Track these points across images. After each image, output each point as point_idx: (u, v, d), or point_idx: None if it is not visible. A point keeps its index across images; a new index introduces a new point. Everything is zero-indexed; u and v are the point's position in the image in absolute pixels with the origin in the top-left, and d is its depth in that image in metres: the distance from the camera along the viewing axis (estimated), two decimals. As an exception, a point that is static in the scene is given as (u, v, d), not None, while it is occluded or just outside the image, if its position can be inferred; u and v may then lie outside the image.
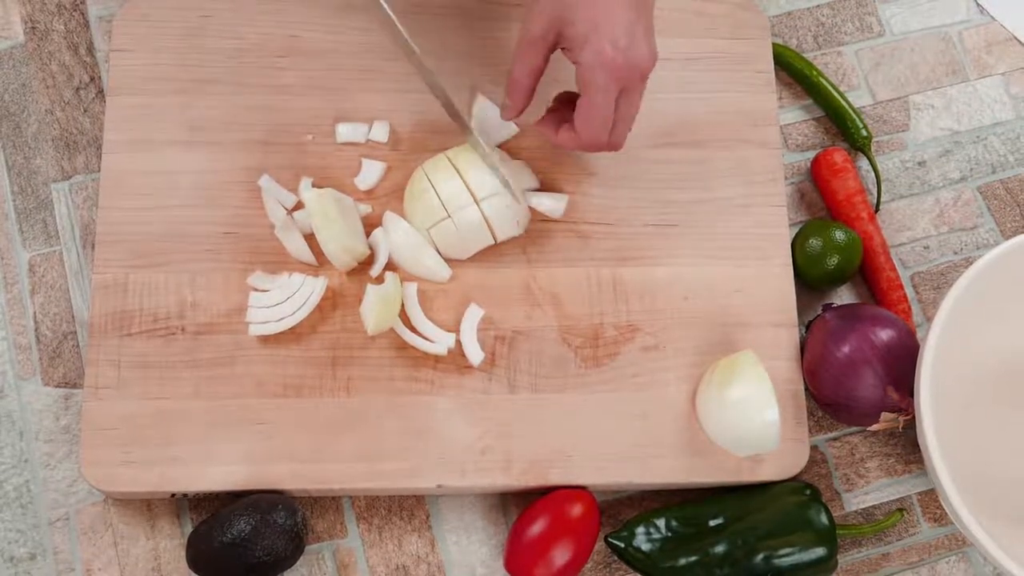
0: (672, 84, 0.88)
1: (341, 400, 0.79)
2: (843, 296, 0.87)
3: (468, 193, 0.80)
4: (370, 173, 0.83)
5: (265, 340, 0.80)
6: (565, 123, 0.77)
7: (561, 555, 0.76)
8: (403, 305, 0.80)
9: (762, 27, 0.90)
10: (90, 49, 0.89)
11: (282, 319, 0.79)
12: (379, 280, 0.81)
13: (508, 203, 0.80)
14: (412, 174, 0.82)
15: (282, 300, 0.79)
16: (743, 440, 0.78)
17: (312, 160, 0.84)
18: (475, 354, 0.80)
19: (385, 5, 0.77)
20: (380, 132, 0.85)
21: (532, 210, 0.84)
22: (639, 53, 0.72)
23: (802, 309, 0.85)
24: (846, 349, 0.78)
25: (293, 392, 0.79)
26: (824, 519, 0.77)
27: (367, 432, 0.79)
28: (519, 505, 0.81)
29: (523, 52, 0.75)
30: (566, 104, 0.79)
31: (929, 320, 0.86)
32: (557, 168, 0.85)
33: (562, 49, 0.75)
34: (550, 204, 0.83)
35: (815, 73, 0.90)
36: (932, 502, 0.83)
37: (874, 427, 0.80)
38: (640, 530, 0.78)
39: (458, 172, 0.80)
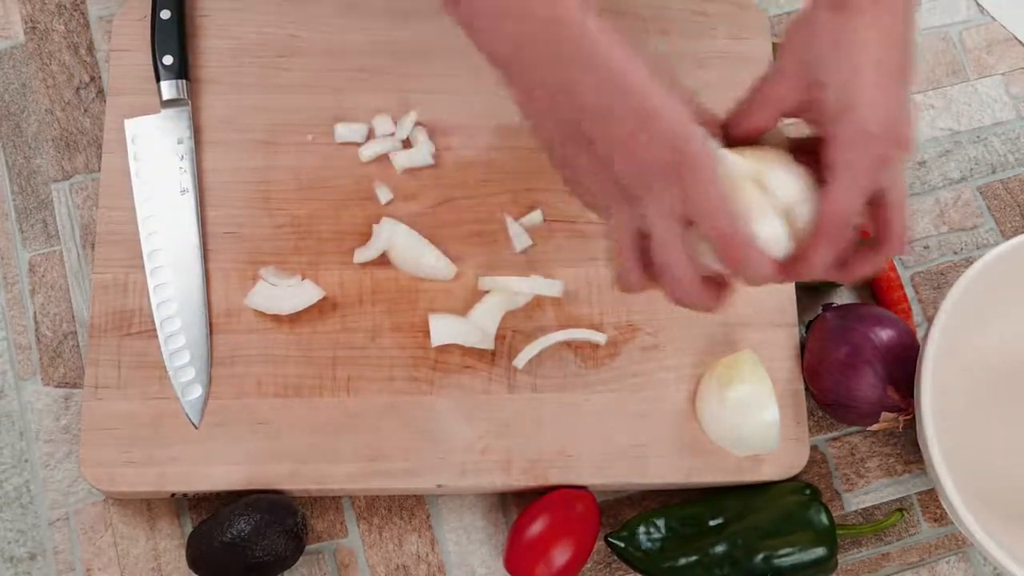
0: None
1: (341, 400, 0.79)
2: (843, 296, 0.87)
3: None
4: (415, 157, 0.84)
5: (265, 341, 0.80)
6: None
7: (561, 555, 0.76)
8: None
9: (762, 27, 0.90)
10: (90, 49, 0.89)
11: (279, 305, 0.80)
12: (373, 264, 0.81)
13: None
14: None
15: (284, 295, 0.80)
16: (743, 440, 0.78)
17: (312, 160, 0.84)
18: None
19: None
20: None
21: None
22: (905, 129, 0.59)
23: (802, 309, 0.85)
24: (846, 349, 0.78)
25: (293, 392, 0.79)
26: (824, 519, 0.77)
27: (367, 432, 0.79)
28: (519, 505, 0.81)
29: (757, 107, 0.63)
30: None
31: (929, 320, 0.86)
32: (552, 171, 0.85)
33: (806, 118, 0.62)
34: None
35: (815, 73, 0.90)
36: (932, 502, 0.83)
37: (874, 427, 0.80)
38: (640, 530, 0.78)
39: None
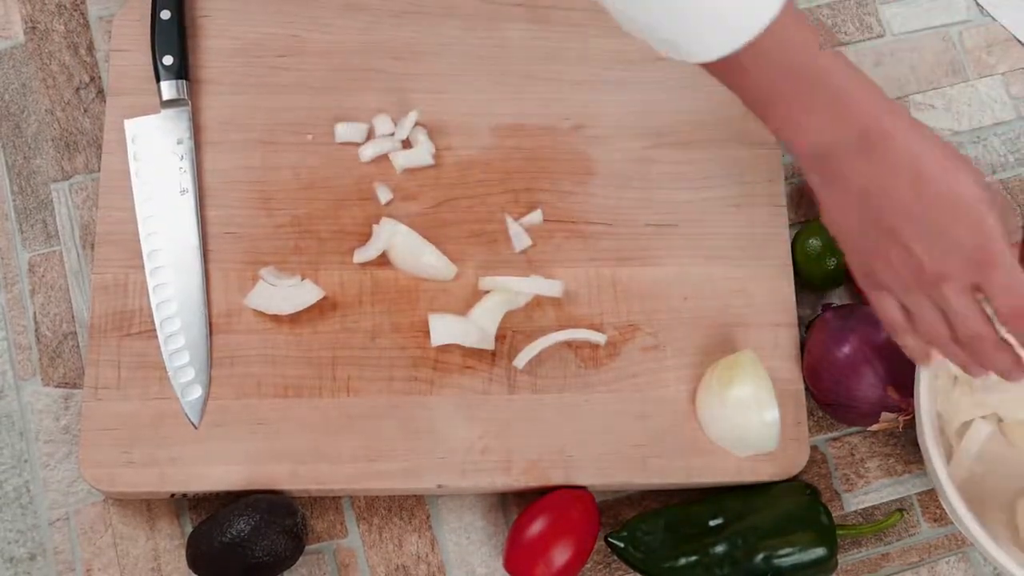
0: (672, 84, 0.88)
1: (341, 400, 0.79)
2: (843, 296, 0.87)
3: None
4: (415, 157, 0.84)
5: (265, 341, 0.80)
6: None
7: (561, 555, 0.76)
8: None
9: (762, 27, 0.90)
10: (90, 49, 0.89)
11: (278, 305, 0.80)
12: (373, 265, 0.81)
13: None
14: None
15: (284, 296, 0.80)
16: (743, 440, 0.78)
17: (312, 160, 0.84)
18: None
19: None
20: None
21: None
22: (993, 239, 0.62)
23: (802, 309, 0.85)
24: (846, 349, 0.78)
25: (293, 392, 0.79)
26: (824, 519, 0.77)
27: (367, 432, 0.79)
28: (519, 505, 0.81)
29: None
30: None
31: (929, 320, 0.86)
32: (552, 171, 0.85)
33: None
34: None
35: (815, 73, 0.90)
36: (932, 502, 0.83)
37: (874, 427, 0.80)
38: (640, 530, 0.78)
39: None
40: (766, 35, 0.61)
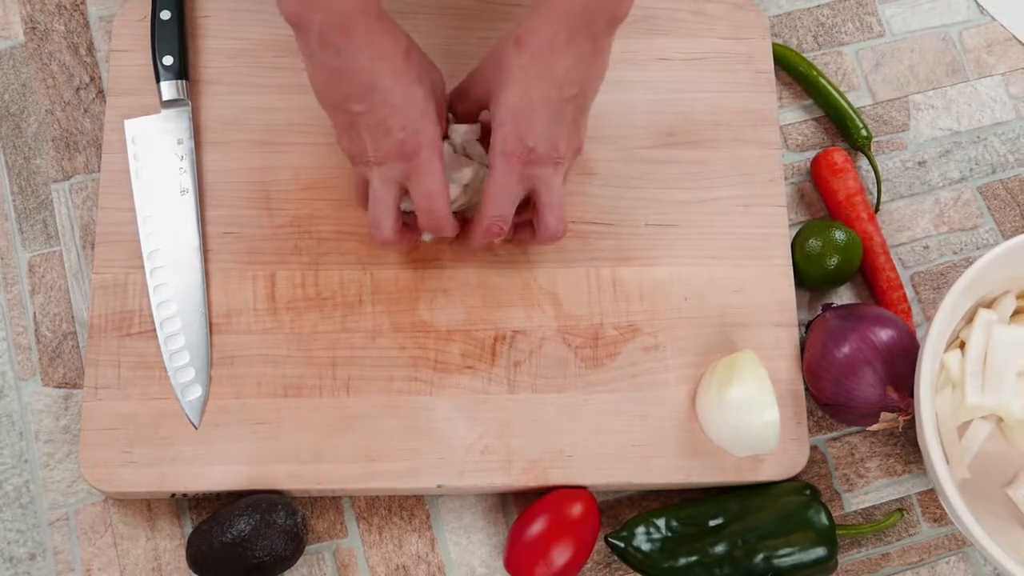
0: (672, 84, 0.88)
1: (341, 400, 0.79)
2: (843, 296, 0.87)
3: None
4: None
5: (265, 341, 0.80)
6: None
7: (561, 555, 0.76)
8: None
9: (762, 27, 0.90)
10: (90, 49, 0.89)
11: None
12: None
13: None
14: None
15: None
16: (743, 440, 0.78)
17: (312, 160, 0.84)
18: None
19: None
20: None
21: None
22: (552, 150, 0.72)
23: (802, 309, 0.85)
24: (846, 349, 0.78)
25: (293, 392, 0.79)
26: (824, 519, 0.77)
27: (367, 432, 0.79)
28: (519, 505, 0.81)
29: (455, 99, 0.78)
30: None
31: (929, 320, 0.86)
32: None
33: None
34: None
35: (815, 73, 0.91)
36: (932, 502, 0.83)
37: (874, 427, 0.80)
38: (640, 530, 0.78)
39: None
40: None
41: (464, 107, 0.78)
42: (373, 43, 0.69)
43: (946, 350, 0.79)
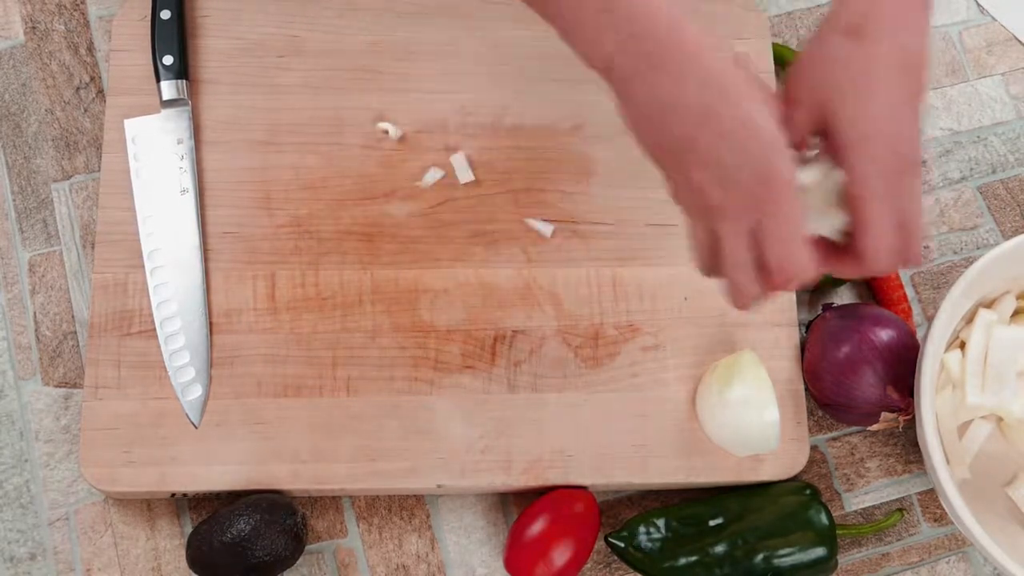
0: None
1: (341, 400, 0.79)
2: (843, 296, 0.87)
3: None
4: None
5: (265, 341, 0.80)
6: (833, 251, 0.62)
7: (561, 555, 0.76)
8: None
9: (762, 27, 0.90)
10: (90, 49, 0.89)
11: None
12: None
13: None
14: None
15: None
16: (743, 440, 0.78)
17: (312, 160, 0.84)
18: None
19: None
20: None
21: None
22: (919, 153, 0.59)
23: (802, 309, 0.85)
24: (846, 349, 0.78)
25: (293, 392, 0.79)
26: (824, 519, 0.77)
27: (367, 432, 0.79)
28: (519, 505, 0.81)
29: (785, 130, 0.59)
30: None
31: (929, 320, 0.86)
32: (552, 171, 0.85)
33: (822, 146, 0.61)
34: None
35: (815, 73, 0.90)
36: (932, 502, 0.83)
37: (874, 427, 0.80)
38: (640, 530, 0.78)
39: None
40: None
41: (793, 139, 0.60)
42: (698, 60, 0.58)
43: (946, 350, 0.79)
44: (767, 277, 0.60)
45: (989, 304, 0.81)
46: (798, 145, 0.61)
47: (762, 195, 0.57)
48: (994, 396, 0.77)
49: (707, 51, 0.58)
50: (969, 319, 0.80)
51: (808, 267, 0.59)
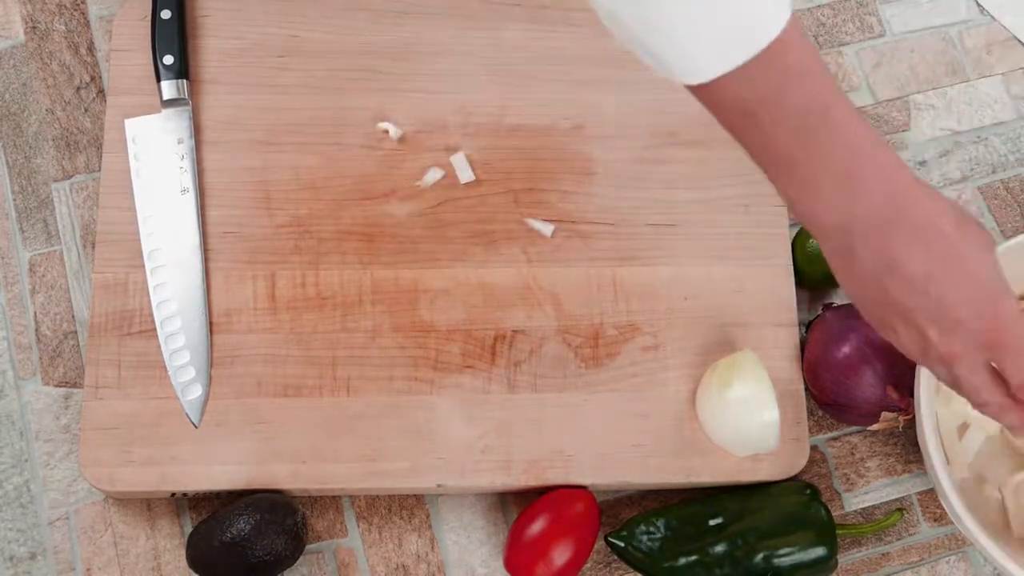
0: (672, 84, 0.87)
1: (341, 400, 0.79)
2: (843, 296, 0.87)
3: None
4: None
5: (265, 341, 0.80)
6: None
7: (561, 554, 0.76)
8: None
9: (762, 27, 0.90)
10: (90, 49, 0.90)
11: None
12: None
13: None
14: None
15: None
16: (743, 440, 0.78)
17: (312, 160, 0.84)
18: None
19: None
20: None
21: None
22: (1005, 293, 0.61)
23: (802, 309, 0.85)
24: (846, 349, 0.78)
25: (293, 392, 0.79)
26: (824, 519, 0.77)
27: (367, 432, 0.79)
28: (519, 505, 0.81)
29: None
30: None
31: (929, 320, 0.86)
32: (552, 171, 0.85)
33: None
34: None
35: (815, 73, 0.90)
36: (932, 502, 0.83)
37: (874, 427, 0.80)
38: (640, 530, 0.78)
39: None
40: (767, 56, 0.56)
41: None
42: (920, 226, 0.59)
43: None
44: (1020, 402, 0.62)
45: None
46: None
47: (992, 337, 0.60)
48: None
49: (927, 205, 0.59)
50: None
51: None
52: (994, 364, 0.61)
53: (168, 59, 0.84)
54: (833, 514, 0.79)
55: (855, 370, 0.78)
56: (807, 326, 0.85)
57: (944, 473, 0.73)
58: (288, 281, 0.82)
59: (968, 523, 0.71)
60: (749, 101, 0.59)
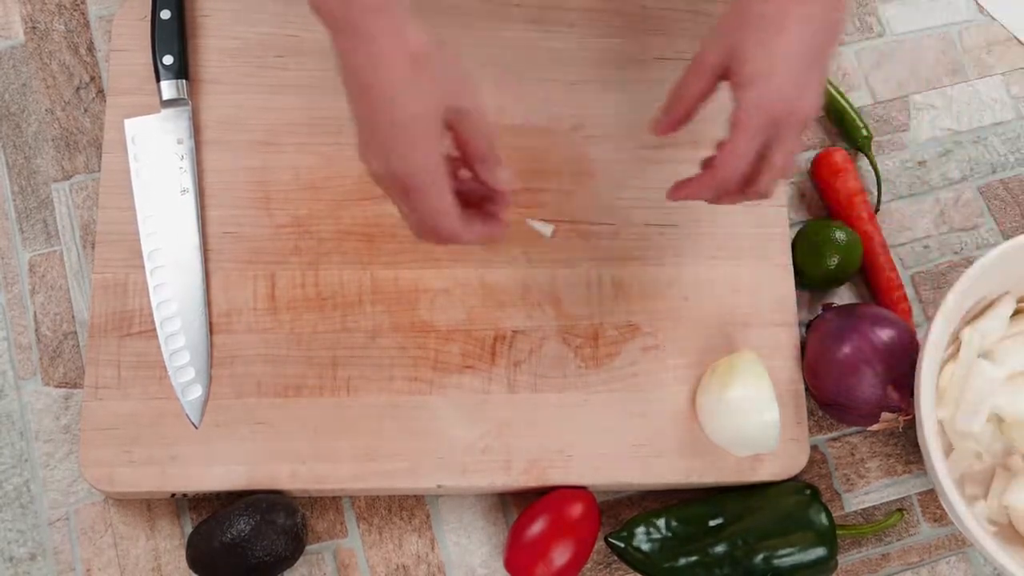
0: (672, 84, 0.87)
1: (341, 400, 0.79)
2: (843, 296, 0.87)
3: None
4: None
5: (265, 341, 0.80)
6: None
7: (561, 555, 0.76)
8: None
9: (762, 27, 0.90)
10: (90, 49, 0.89)
11: None
12: None
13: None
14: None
15: None
16: (743, 440, 0.78)
17: (312, 160, 0.84)
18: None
19: None
20: None
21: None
22: (804, 105, 0.67)
23: (802, 309, 0.85)
24: (846, 349, 0.78)
25: (293, 392, 0.79)
26: (824, 519, 0.77)
27: (367, 432, 0.79)
28: (519, 505, 0.81)
29: (693, 73, 0.71)
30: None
31: (929, 320, 0.86)
32: (552, 171, 0.85)
33: (729, 81, 0.69)
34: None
35: (815, 73, 0.90)
36: (932, 502, 0.83)
37: (874, 427, 0.80)
38: (640, 530, 0.78)
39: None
40: None
41: (700, 85, 0.71)
42: (374, 41, 0.63)
43: (946, 350, 0.79)
44: (427, 238, 0.68)
45: (989, 304, 0.81)
46: (706, 89, 0.70)
47: (404, 180, 0.65)
48: (965, 424, 0.77)
49: (390, 36, 0.63)
50: (970, 320, 0.80)
51: (450, 231, 0.67)
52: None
53: (168, 59, 0.84)
54: (833, 514, 0.79)
55: (855, 370, 0.78)
56: (807, 326, 0.85)
57: (944, 473, 0.73)
58: (288, 281, 0.82)
59: (968, 523, 0.71)
60: None
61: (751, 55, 0.67)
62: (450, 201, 0.66)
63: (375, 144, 0.65)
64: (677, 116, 0.72)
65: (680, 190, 0.72)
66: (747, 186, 0.70)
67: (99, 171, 0.85)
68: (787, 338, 0.83)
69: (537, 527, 0.77)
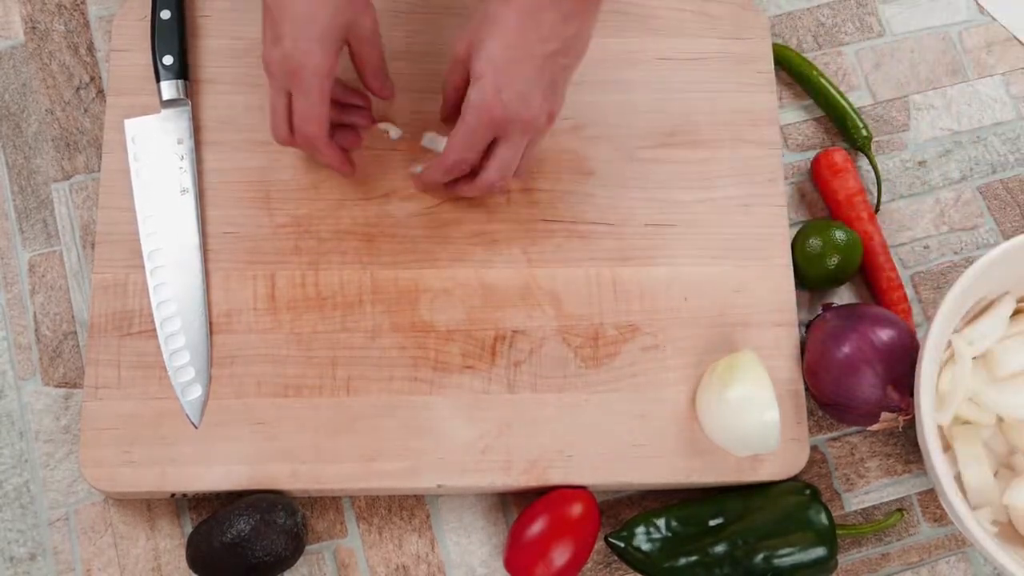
0: (672, 84, 0.88)
1: (341, 400, 0.79)
2: (843, 296, 0.87)
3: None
4: None
5: (265, 341, 0.80)
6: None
7: (561, 555, 0.76)
8: None
9: (762, 27, 0.90)
10: (90, 49, 0.89)
11: None
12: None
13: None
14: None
15: None
16: (743, 440, 0.78)
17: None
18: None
19: None
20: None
21: (532, 207, 0.84)
22: (525, 109, 0.72)
23: (802, 309, 0.85)
24: (846, 349, 0.78)
25: (293, 392, 0.79)
26: (824, 519, 0.77)
27: (367, 432, 0.79)
28: (519, 505, 0.81)
29: (450, 66, 0.76)
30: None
31: (929, 320, 0.86)
32: (552, 171, 0.85)
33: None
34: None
35: (815, 73, 0.91)
36: (932, 502, 0.83)
37: (874, 427, 0.80)
38: (640, 530, 0.78)
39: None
40: None
41: (454, 78, 0.76)
42: None
43: (945, 350, 0.79)
44: (298, 138, 0.76)
45: (989, 305, 0.81)
46: (460, 83, 0.75)
47: (294, 69, 0.72)
48: (994, 396, 0.77)
49: None
50: (970, 320, 0.80)
51: (316, 135, 0.74)
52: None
53: (168, 59, 0.84)
54: (833, 514, 0.79)
55: (855, 370, 0.78)
56: (807, 326, 0.85)
57: (944, 473, 0.73)
58: (288, 281, 0.82)
59: (968, 523, 0.71)
60: None
61: (475, 54, 0.72)
62: (325, 110, 0.73)
63: (277, 32, 0.71)
64: (445, 108, 0.79)
65: (419, 179, 0.80)
66: (474, 176, 0.76)
67: (99, 171, 0.85)
68: (787, 338, 0.83)
69: (537, 527, 0.77)
